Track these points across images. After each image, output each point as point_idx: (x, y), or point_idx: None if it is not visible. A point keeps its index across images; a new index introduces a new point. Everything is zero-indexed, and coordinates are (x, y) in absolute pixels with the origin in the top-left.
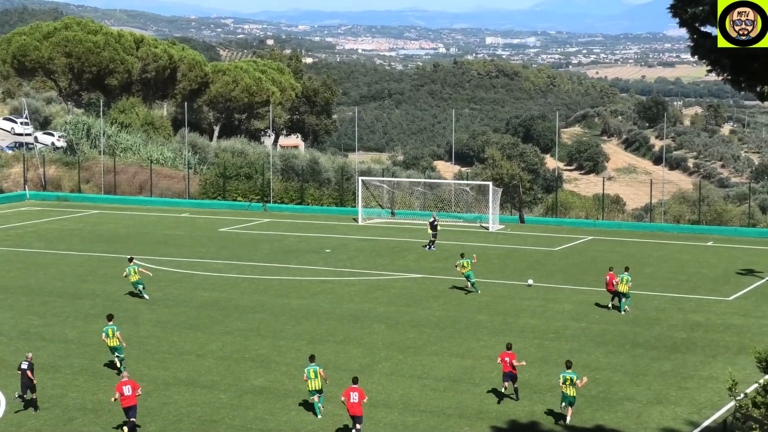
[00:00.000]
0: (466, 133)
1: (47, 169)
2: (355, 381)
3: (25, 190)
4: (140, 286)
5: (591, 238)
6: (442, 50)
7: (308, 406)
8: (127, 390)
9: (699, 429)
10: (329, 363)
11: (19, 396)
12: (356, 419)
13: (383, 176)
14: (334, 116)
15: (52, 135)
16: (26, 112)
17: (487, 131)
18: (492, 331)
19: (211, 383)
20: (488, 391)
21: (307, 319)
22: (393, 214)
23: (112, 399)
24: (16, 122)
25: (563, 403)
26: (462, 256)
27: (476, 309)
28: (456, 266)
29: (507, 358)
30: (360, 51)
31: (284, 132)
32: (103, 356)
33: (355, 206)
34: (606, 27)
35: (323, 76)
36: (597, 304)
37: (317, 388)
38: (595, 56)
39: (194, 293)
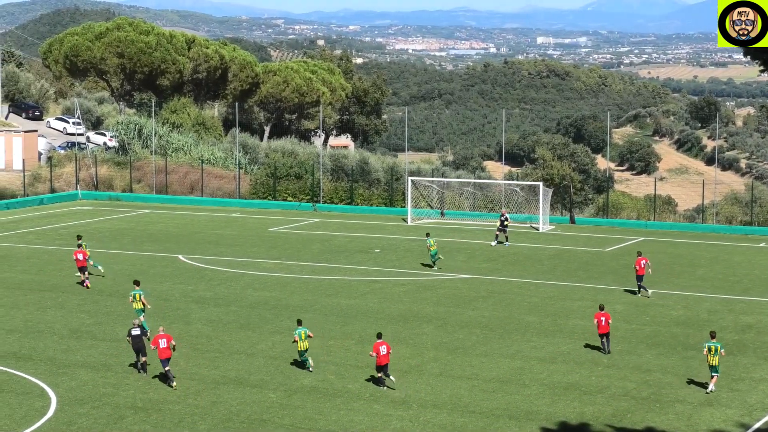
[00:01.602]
0: (516, 134)
1: (99, 168)
2: (380, 336)
3: (77, 189)
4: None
5: (642, 239)
6: (493, 50)
7: (358, 405)
8: (162, 343)
9: (750, 431)
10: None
11: (140, 364)
12: (385, 368)
13: (433, 176)
14: (384, 116)
15: (104, 135)
16: (78, 112)
17: (537, 131)
18: (541, 333)
19: (261, 382)
20: (538, 393)
21: (356, 319)
22: (442, 214)
23: (152, 347)
24: (68, 122)
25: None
26: (428, 235)
27: (526, 310)
28: (429, 247)
29: (603, 318)
30: (410, 51)
31: (334, 132)
32: (155, 354)
33: (404, 206)
34: (658, 27)
35: (373, 76)
36: (626, 290)
37: (306, 348)
38: (646, 56)
39: (245, 293)
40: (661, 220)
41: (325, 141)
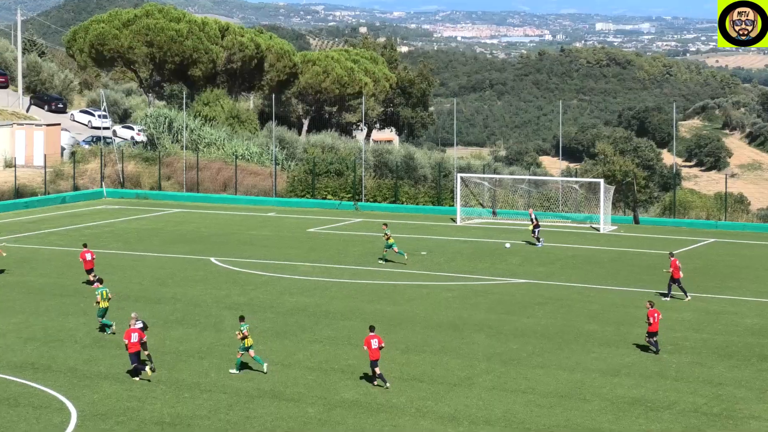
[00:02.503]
0: (574, 127)
1: (126, 165)
2: (372, 329)
3: (102, 187)
4: (104, 321)
5: (712, 240)
6: (548, 37)
7: (403, 421)
8: (134, 337)
9: None
10: (425, 375)
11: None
12: (376, 363)
13: (484, 173)
14: (431, 108)
15: (132, 129)
16: (104, 104)
17: (597, 124)
18: (604, 343)
19: (298, 396)
20: (600, 408)
21: (401, 326)
22: (494, 213)
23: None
24: (93, 115)
25: None
26: (385, 225)
27: (586, 317)
28: (385, 236)
29: (656, 315)
30: (459, 39)
31: (377, 126)
32: (183, 365)
33: (453, 205)
34: None
35: (419, 65)
36: (659, 293)
37: (251, 345)
38: (714, 43)
39: (281, 298)
40: (733, 220)
41: (368, 135)
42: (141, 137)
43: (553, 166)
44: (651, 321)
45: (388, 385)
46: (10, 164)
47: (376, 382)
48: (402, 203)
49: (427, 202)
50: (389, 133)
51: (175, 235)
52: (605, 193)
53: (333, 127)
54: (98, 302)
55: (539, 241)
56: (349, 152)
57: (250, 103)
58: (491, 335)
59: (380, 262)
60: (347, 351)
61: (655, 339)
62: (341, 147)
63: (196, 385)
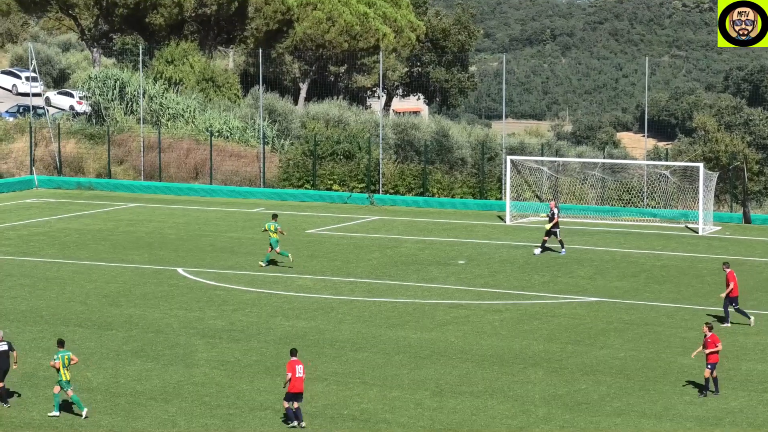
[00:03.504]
0: (665, 92)
1: (64, 144)
2: (294, 353)
3: (32, 173)
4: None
5: None
6: None
7: None
8: None
9: None
10: (463, 424)
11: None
12: (300, 397)
13: (543, 155)
14: (472, 69)
15: (71, 96)
16: (34, 62)
17: (696, 89)
18: (701, 382)
19: None
20: None
21: (432, 359)
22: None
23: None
24: (20, 77)
25: None
26: (274, 217)
27: (679, 348)
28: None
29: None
30: None
31: (399, 92)
32: (142, 411)
33: (501, 198)
34: None
35: (457, 10)
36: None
37: (69, 379)
38: None
39: (272, 322)
40: None
41: (387, 104)
42: (83, 107)
43: (636, 145)
44: (713, 348)
45: (303, 424)
46: None
47: (295, 424)
48: (432, 196)
49: (466, 194)
50: (415, 102)
51: (130, 239)
52: (706, 182)
53: (340, 94)
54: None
55: (563, 247)
56: (361, 128)
57: (229, 61)
58: (552, 372)
59: (261, 264)
60: (360, 392)
61: (715, 376)
62: (351, 120)
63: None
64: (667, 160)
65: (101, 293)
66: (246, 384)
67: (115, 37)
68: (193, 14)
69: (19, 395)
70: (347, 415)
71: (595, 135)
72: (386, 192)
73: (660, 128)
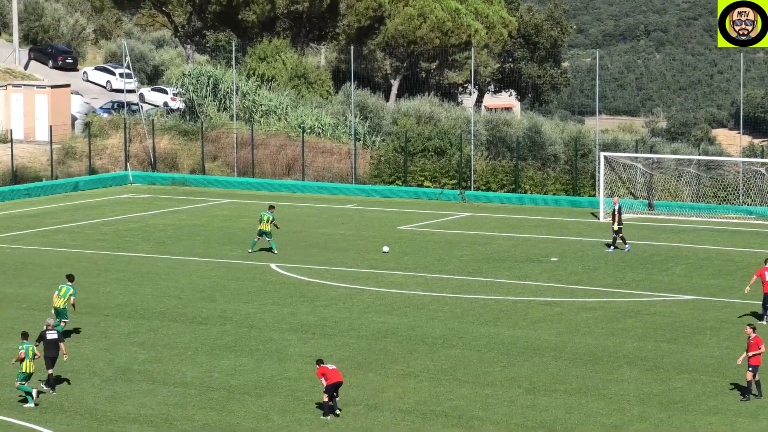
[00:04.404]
0: (760, 89)
1: (158, 140)
2: (320, 362)
3: (126, 169)
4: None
5: None
6: None
7: None
8: None
9: None
10: (557, 422)
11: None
12: (335, 387)
13: (637, 152)
14: (565, 64)
15: (165, 92)
16: (128, 59)
17: None
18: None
19: None
20: None
21: (524, 357)
22: (651, 206)
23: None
24: (113, 74)
25: None
26: (271, 208)
27: None
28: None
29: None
30: None
31: (491, 88)
32: (237, 405)
33: (594, 195)
34: None
35: (549, 6)
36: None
37: (33, 371)
38: None
39: (364, 318)
40: None
41: (479, 100)
42: (177, 103)
43: (732, 142)
44: (756, 351)
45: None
46: (4, 139)
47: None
48: (525, 192)
49: (559, 191)
50: (507, 98)
51: (224, 234)
52: None
53: (432, 90)
54: (21, 360)
55: (625, 242)
56: (453, 124)
57: (320, 57)
58: (646, 370)
59: (249, 252)
60: (452, 389)
61: (757, 379)
62: (443, 117)
63: (253, 430)
64: (762, 157)
65: (195, 288)
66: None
67: (208, 33)
68: (285, 11)
69: (69, 382)
70: (440, 411)
71: (690, 131)
72: (478, 188)
73: (755, 125)
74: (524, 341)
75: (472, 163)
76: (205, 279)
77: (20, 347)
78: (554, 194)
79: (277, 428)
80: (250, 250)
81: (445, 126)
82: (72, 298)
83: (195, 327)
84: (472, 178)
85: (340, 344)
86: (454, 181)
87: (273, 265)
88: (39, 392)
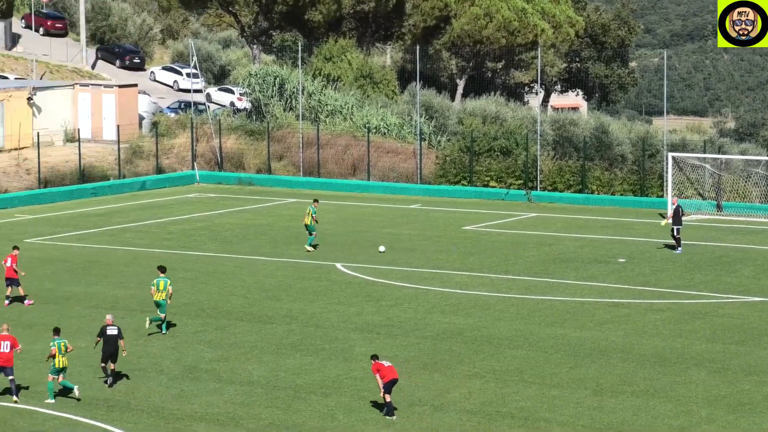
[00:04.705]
0: None
1: (224, 140)
2: (375, 358)
3: (193, 169)
4: (159, 316)
5: None
6: None
7: None
8: (5, 346)
9: None
10: (624, 424)
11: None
12: (391, 384)
13: (705, 152)
14: (632, 64)
15: (231, 92)
16: (195, 58)
17: None
18: None
19: None
20: None
21: (592, 358)
22: (719, 207)
23: None
24: (180, 74)
25: None
26: (315, 202)
27: None
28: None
29: None
30: None
31: (558, 88)
32: (303, 404)
33: (662, 196)
34: None
35: (617, 5)
36: None
37: (65, 366)
38: None
39: (429, 318)
40: None
41: (545, 100)
42: (243, 103)
43: None
44: None
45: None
46: (72, 138)
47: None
48: (592, 193)
49: (627, 191)
50: (574, 98)
51: (289, 234)
52: None
53: (498, 90)
54: (53, 356)
55: (678, 247)
56: (519, 123)
57: (386, 57)
58: (714, 372)
59: (309, 250)
60: (518, 390)
61: None
62: (509, 116)
63: (319, 430)
64: None
65: (261, 287)
66: (404, 380)
67: (274, 34)
68: (351, 11)
69: (128, 377)
70: (506, 412)
71: (759, 132)
72: (544, 189)
73: None
74: (591, 342)
75: (539, 163)
76: (271, 278)
77: (51, 344)
78: (621, 195)
79: (342, 428)
80: (308, 248)
81: (511, 126)
82: (170, 288)
83: (261, 326)
84: (539, 179)
85: (405, 344)
86: (520, 182)
87: (338, 265)
88: (67, 389)
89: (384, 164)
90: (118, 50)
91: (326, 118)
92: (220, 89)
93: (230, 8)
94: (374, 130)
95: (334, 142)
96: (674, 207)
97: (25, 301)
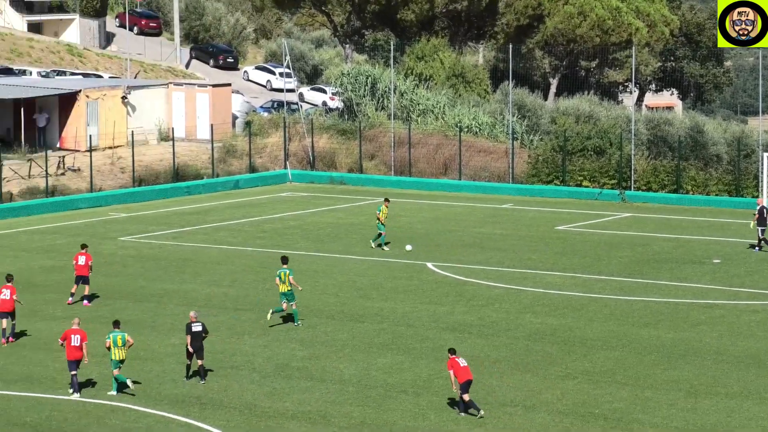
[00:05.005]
0: None
1: (317, 139)
2: (452, 352)
3: (286, 168)
4: (284, 305)
5: None
6: None
7: None
8: (75, 340)
9: None
10: (718, 426)
11: (198, 370)
12: (467, 385)
13: None
14: (728, 63)
15: (324, 91)
16: (288, 58)
17: None
18: None
19: None
20: None
21: (686, 359)
22: None
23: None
24: (273, 73)
25: None
26: (386, 201)
27: None
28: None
29: None
30: None
31: (652, 87)
32: (393, 403)
33: (757, 196)
34: None
35: (712, 5)
36: None
37: (122, 359)
38: None
39: (521, 318)
40: None
41: (639, 99)
42: (335, 103)
43: None
44: None
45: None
46: (166, 137)
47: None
48: (686, 193)
49: (722, 191)
50: (669, 97)
51: None
52: None
53: (591, 89)
54: (108, 348)
55: (759, 245)
56: (613, 123)
57: (478, 56)
58: None
59: (385, 248)
60: (612, 391)
61: None
62: (602, 116)
63: (410, 429)
64: None
65: (353, 286)
66: (495, 380)
67: (366, 33)
68: (443, 10)
69: (211, 371)
70: (598, 414)
71: None
72: (638, 189)
73: None
74: (685, 344)
75: (633, 162)
76: (362, 277)
77: (107, 337)
78: (716, 195)
79: (433, 427)
80: (373, 245)
81: (605, 125)
82: (291, 278)
83: (352, 325)
84: (632, 178)
85: (497, 344)
86: (613, 181)
87: (429, 264)
88: (134, 382)
89: (476, 163)
90: (212, 50)
91: (418, 117)
92: (312, 89)
93: (323, 8)
94: (466, 130)
95: (425, 142)
96: (759, 208)
97: (84, 301)
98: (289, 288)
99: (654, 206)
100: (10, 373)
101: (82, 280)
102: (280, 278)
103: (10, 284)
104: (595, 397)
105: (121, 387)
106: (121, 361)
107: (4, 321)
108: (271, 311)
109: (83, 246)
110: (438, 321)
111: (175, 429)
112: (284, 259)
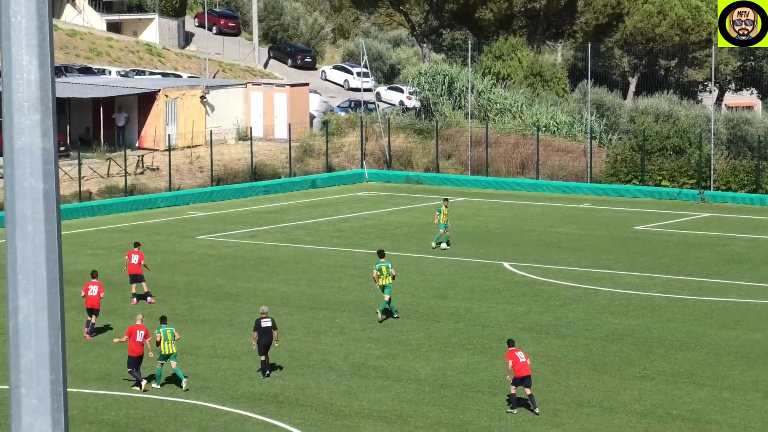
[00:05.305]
0: None
1: (393, 138)
2: (511, 344)
3: (362, 167)
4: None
5: None
6: None
7: None
8: (139, 335)
9: None
10: None
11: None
12: (527, 380)
13: None
14: None
15: (401, 91)
16: (365, 58)
17: None
18: None
19: None
20: None
21: (764, 360)
22: None
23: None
24: (351, 73)
25: None
26: (445, 201)
27: None
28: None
29: None
30: None
31: (732, 86)
32: (470, 403)
33: None
34: None
35: None
36: None
37: (173, 352)
38: None
39: (598, 318)
40: None
41: (719, 99)
42: (413, 102)
43: None
44: None
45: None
46: (244, 136)
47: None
48: (766, 193)
49: None
50: (749, 97)
51: (457, 232)
52: None
53: (671, 88)
54: (158, 343)
55: None
56: (692, 122)
57: (556, 55)
58: None
59: (444, 247)
60: (690, 392)
61: None
62: (682, 115)
63: (487, 429)
64: None
65: (428, 285)
66: (573, 380)
67: (444, 32)
68: (522, 9)
69: (281, 368)
70: (676, 414)
71: None
72: (717, 188)
73: None
74: (765, 345)
75: (712, 162)
76: (438, 277)
77: (156, 332)
78: None
79: (510, 427)
80: (434, 245)
81: (684, 124)
82: (393, 270)
83: (428, 324)
84: (712, 178)
85: (574, 345)
86: (693, 181)
87: (506, 264)
88: (177, 378)
89: (553, 163)
90: (290, 49)
91: (495, 116)
92: (389, 88)
93: (401, 7)
94: (544, 129)
95: (502, 141)
96: None
97: (149, 298)
98: (389, 281)
99: (733, 206)
100: (87, 371)
101: (136, 278)
102: (381, 272)
103: (95, 280)
104: (672, 398)
105: (173, 380)
106: (169, 356)
107: (94, 317)
108: (379, 311)
109: (136, 244)
110: (514, 321)
111: (252, 427)
112: (381, 253)
